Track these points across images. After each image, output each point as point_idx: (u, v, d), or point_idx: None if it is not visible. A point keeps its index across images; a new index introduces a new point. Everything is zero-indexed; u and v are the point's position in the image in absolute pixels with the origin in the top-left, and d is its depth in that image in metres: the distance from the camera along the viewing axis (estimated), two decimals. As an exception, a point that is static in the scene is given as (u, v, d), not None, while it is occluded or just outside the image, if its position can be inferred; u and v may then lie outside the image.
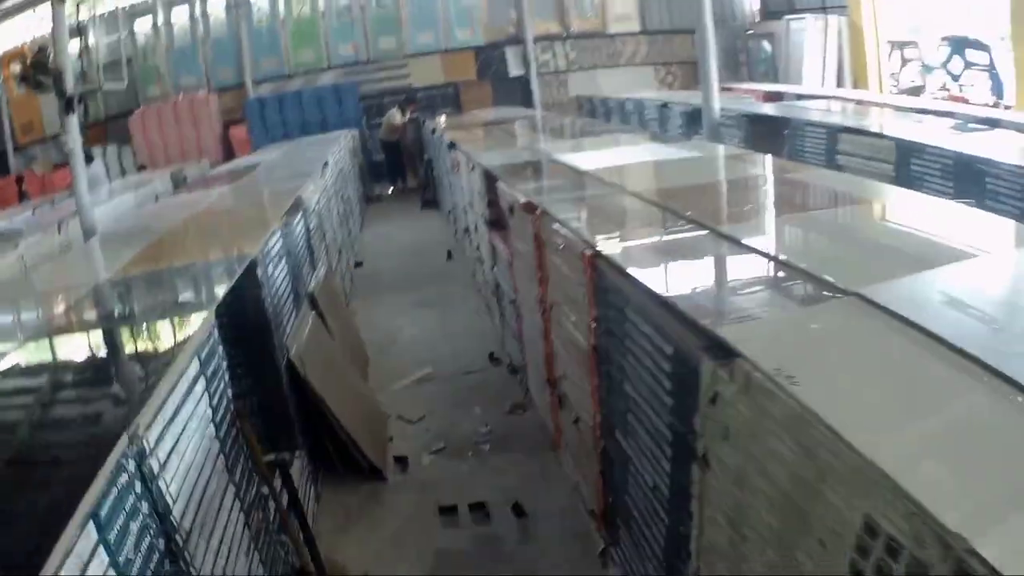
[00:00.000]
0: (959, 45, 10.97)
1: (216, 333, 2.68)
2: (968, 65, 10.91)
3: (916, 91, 11.52)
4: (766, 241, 2.78)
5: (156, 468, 1.94)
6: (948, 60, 11.18)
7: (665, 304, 2.25)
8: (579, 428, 3.47)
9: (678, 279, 2.56)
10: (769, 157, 4.80)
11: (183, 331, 2.52)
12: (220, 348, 2.71)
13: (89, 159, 11.26)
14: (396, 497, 4.08)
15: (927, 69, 11.66)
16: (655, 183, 4.18)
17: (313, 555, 3.09)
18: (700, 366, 2.02)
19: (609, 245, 2.85)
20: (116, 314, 2.97)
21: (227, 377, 2.72)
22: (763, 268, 2.50)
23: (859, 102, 8.33)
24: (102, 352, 2.50)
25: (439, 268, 8.95)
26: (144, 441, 1.88)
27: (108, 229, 6.15)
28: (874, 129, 6.02)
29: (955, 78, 11.12)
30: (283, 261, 4.36)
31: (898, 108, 7.40)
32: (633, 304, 2.49)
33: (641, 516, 2.77)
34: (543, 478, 4.10)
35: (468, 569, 3.45)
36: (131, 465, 1.80)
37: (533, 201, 3.87)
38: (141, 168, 14.86)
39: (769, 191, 3.85)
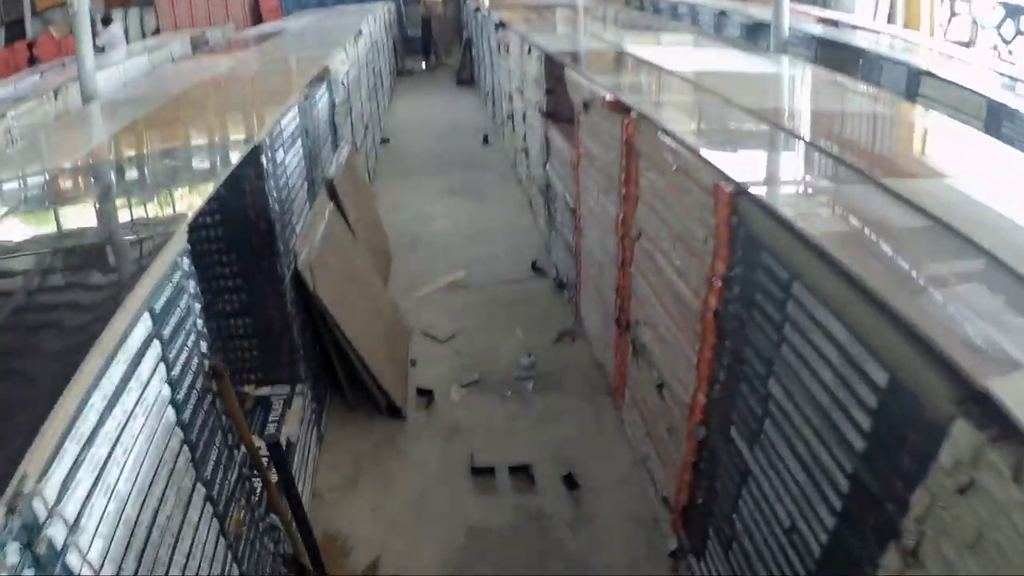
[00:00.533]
0: (1014, 11, 10.12)
1: (186, 264, 1.85)
2: (1019, 32, 10.05)
3: (967, 46, 10.69)
4: (964, 218, 1.74)
5: (62, 535, 1.17)
6: (1001, 23, 10.31)
7: (882, 307, 1.39)
8: (663, 397, 2.70)
9: (877, 262, 1.59)
10: (888, 95, 3.67)
11: (133, 264, 1.69)
12: (192, 284, 1.89)
13: (107, 21, 10.23)
14: (418, 444, 3.37)
15: (978, 26, 10.84)
16: (767, 101, 3.10)
17: (308, 544, 2.40)
18: (950, 428, 1.23)
19: (757, 182, 1.95)
20: (43, 240, 2.04)
21: (200, 324, 1.92)
22: (982, 268, 1.55)
23: (927, 47, 7.28)
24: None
25: (475, 152, 8.05)
26: (37, 503, 1.10)
27: (109, 96, 5.20)
28: (963, 81, 4.97)
29: (1006, 42, 10.29)
30: (298, 143, 3.48)
31: (976, 64, 6.34)
32: (810, 282, 1.64)
33: (756, 549, 2.05)
34: (598, 434, 3.38)
35: (509, 559, 2.77)
36: (12, 551, 1.03)
37: (623, 99, 2.92)
38: (156, 32, 13.94)
39: (918, 138, 2.75)
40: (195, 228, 2.84)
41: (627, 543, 2.82)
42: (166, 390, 1.66)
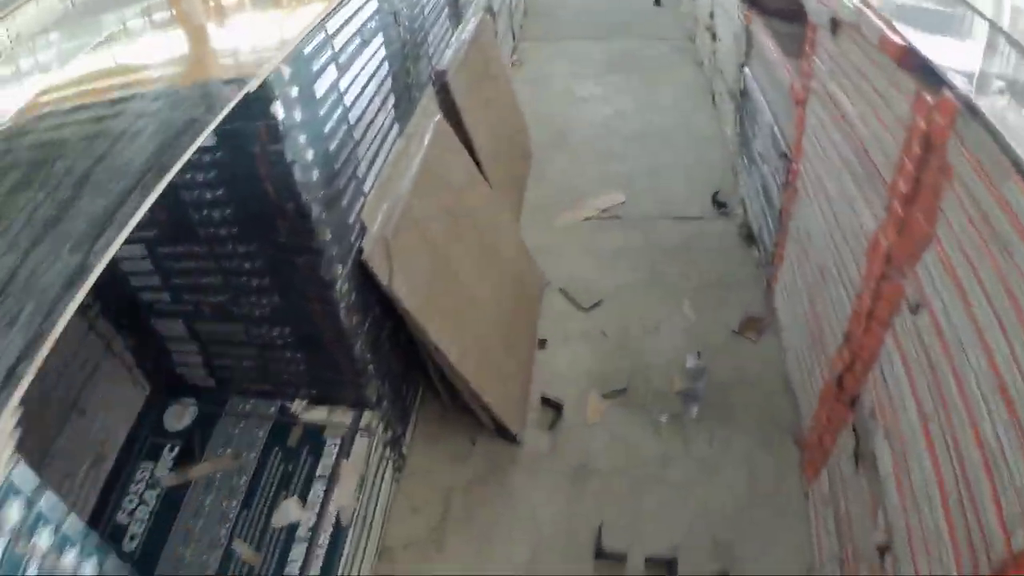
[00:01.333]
0: None
1: (16, 516, 0.94)
2: None
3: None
4: None
5: None
6: None
7: None
8: (884, 566, 1.63)
9: None
10: None
11: None
12: (45, 532, 0.98)
13: None
14: (532, 487, 2.49)
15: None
16: None
17: None
18: None
19: None
20: None
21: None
22: None
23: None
24: None
25: (644, 14, 6.48)
26: None
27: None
28: None
29: None
30: (376, 40, 2.35)
31: None
32: None
33: None
34: (772, 512, 2.35)
35: None
36: None
37: (924, 54, 1.51)
38: None
39: None
40: (193, 205, 1.93)
41: None
42: None
